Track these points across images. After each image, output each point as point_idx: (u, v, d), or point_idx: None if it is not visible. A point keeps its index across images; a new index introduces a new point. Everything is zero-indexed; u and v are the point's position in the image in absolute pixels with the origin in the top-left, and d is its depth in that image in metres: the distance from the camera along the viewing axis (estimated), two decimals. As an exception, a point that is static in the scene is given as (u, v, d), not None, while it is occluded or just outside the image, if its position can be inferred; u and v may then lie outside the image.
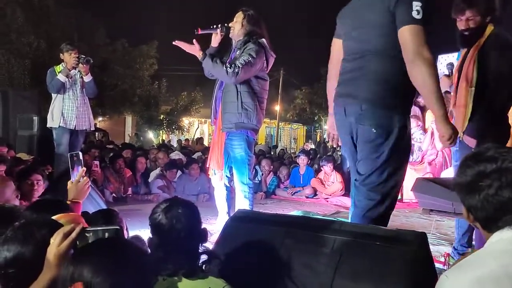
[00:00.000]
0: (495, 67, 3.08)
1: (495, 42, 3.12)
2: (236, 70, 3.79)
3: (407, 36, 2.35)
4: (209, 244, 3.74)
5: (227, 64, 3.85)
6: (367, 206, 2.54)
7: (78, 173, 2.72)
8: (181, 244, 1.81)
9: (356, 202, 2.61)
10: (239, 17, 4.02)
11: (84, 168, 2.73)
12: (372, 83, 2.49)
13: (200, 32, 3.90)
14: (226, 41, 4.12)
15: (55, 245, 1.42)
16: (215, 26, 3.97)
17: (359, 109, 2.51)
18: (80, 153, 2.83)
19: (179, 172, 7.86)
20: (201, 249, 1.88)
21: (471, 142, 3.15)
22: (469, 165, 1.47)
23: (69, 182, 2.76)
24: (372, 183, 2.53)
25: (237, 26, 4.01)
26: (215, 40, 3.99)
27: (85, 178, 2.68)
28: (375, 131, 2.47)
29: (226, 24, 4.01)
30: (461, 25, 3.20)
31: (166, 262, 1.73)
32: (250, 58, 3.83)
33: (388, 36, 2.43)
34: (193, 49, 3.92)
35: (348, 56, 2.68)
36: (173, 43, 3.95)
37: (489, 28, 3.16)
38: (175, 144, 19.84)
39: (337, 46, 2.83)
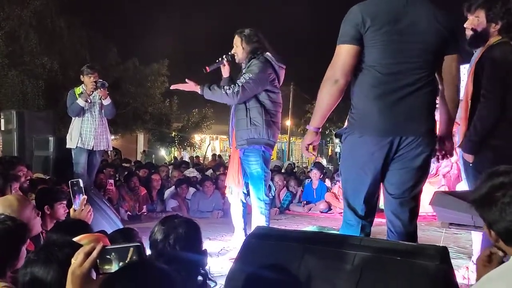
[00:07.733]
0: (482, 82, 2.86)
1: (488, 56, 2.88)
2: (236, 89, 3.85)
3: None
4: (227, 261, 3.77)
5: (225, 87, 3.92)
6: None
7: (79, 201, 2.77)
8: (177, 257, 1.77)
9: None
10: (237, 41, 4.09)
11: (85, 196, 2.79)
12: None
13: (208, 70, 4.11)
14: (236, 67, 4.22)
15: (77, 265, 1.41)
16: (220, 59, 4.11)
17: None
18: (81, 181, 2.89)
19: (193, 189, 7.88)
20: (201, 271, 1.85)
21: (468, 157, 2.94)
22: (484, 181, 1.52)
23: (71, 210, 2.81)
24: None
25: (239, 51, 4.08)
26: (225, 70, 4.13)
27: (86, 205, 2.75)
28: None
29: (230, 53, 4.11)
30: (467, 22, 2.98)
31: None
32: (250, 75, 3.87)
33: None
34: (190, 86, 4.04)
35: None
36: (171, 87, 4.33)
37: (495, 38, 2.91)
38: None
39: None
